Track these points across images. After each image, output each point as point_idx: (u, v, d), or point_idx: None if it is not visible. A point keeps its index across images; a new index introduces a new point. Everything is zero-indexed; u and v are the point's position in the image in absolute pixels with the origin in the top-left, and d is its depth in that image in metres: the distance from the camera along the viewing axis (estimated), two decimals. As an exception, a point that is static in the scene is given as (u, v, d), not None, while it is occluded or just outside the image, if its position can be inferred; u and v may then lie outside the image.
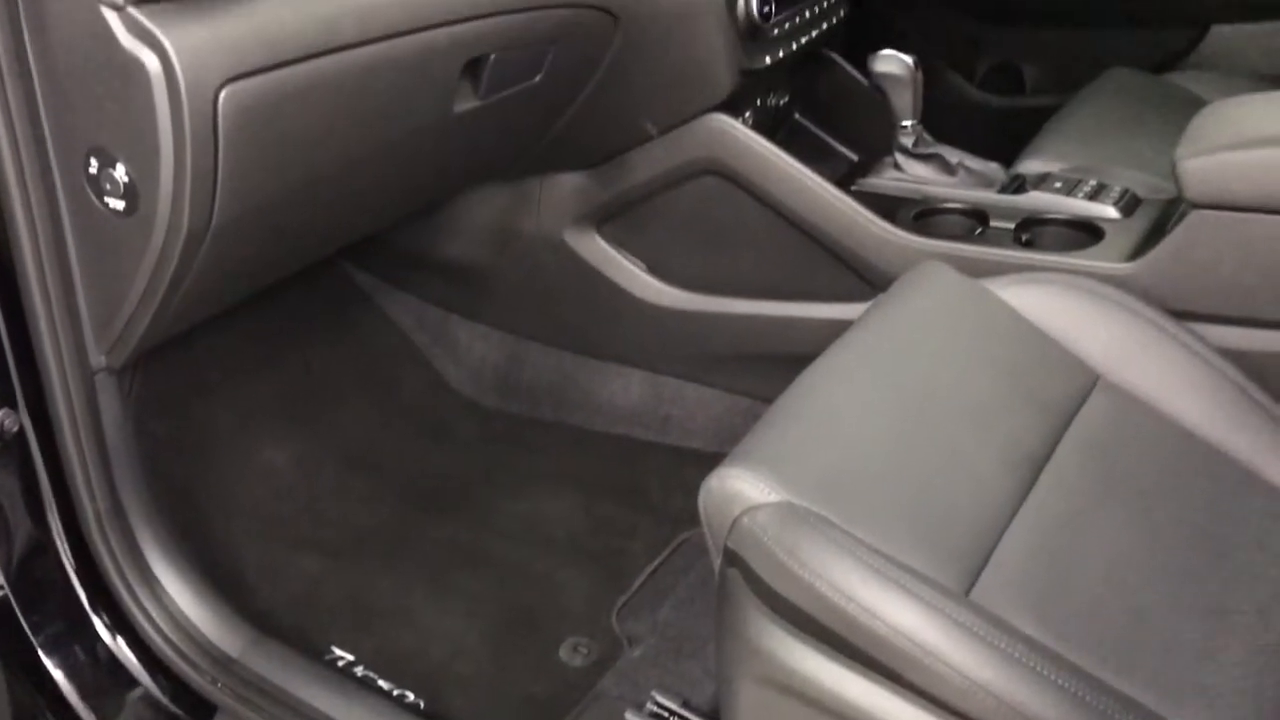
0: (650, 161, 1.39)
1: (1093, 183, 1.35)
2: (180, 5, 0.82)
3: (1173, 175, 1.16)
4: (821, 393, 1.00)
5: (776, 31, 1.34)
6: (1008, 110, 2.13)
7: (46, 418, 1.02)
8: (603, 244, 1.49)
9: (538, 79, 1.17)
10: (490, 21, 1.05)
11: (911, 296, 1.14)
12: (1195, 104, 1.68)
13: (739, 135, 1.33)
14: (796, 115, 1.56)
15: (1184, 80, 1.79)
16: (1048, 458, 0.99)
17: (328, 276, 1.65)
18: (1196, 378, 1.10)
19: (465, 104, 1.10)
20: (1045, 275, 1.18)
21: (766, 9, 1.28)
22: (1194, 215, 1.15)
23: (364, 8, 0.93)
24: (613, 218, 1.47)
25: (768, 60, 1.33)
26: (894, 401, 0.99)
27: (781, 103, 1.50)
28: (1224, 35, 1.92)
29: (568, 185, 1.46)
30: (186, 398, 1.39)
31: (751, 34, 1.29)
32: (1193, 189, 1.14)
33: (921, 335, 1.09)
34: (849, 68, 1.55)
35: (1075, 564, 0.90)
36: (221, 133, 0.84)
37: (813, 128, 1.57)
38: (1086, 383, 1.08)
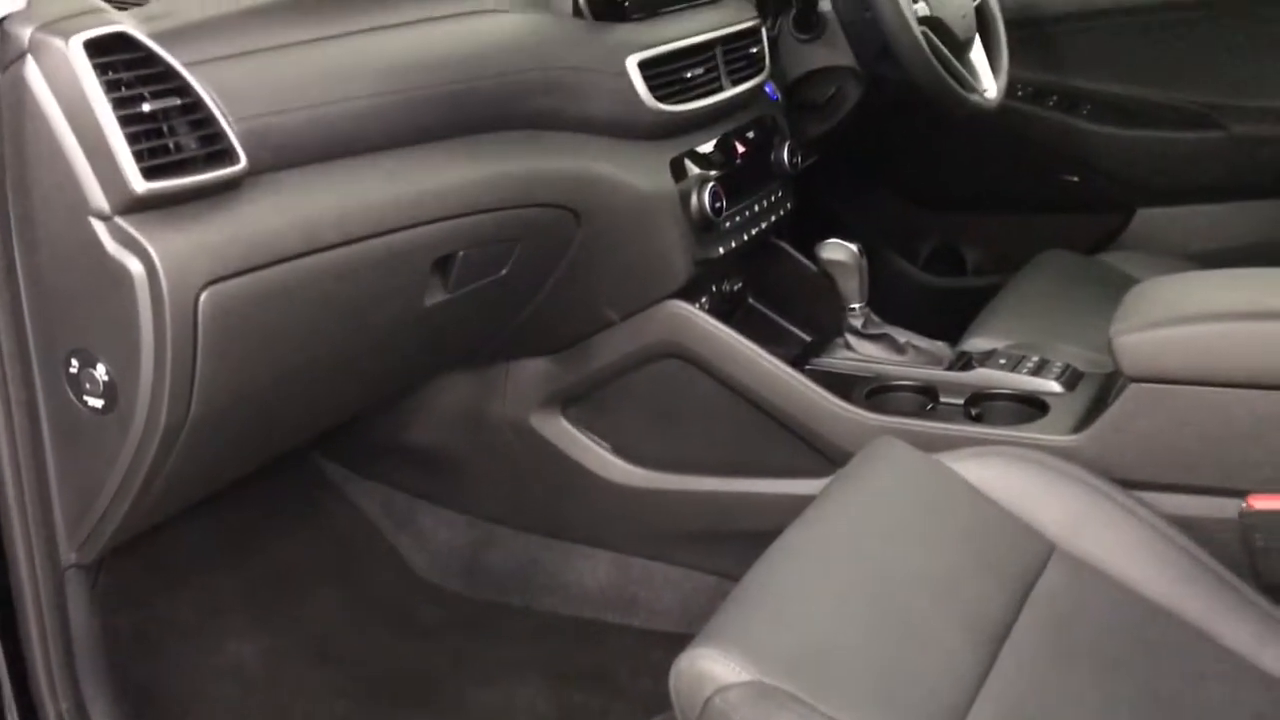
0: (613, 346, 1.45)
1: (1036, 359, 1.41)
2: (165, 213, 0.86)
3: (1109, 351, 1.22)
4: (788, 570, 1.02)
5: (728, 224, 1.42)
6: (950, 290, 2.23)
7: (12, 616, 1.01)
8: (568, 426, 1.52)
9: (504, 272, 1.23)
10: (460, 221, 1.11)
11: (869, 472, 1.18)
12: (1127, 282, 1.78)
13: (697, 320, 1.39)
14: (750, 300, 1.63)
15: (1115, 260, 1.89)
16: (1010, 629, 1.01)
17: (295, 467, 1.66)
18: (1148, 545, 1.13)
19: (435, 297, 1.15)
20: (997, 449, 1.22)
21: (718, 205, 1.36)
22: (1132, 389, 1.20)
23: (342, 212, 0.98)
24: (578, 400, 1.51)
25: (721, 251, 1.41)
26: (858, 578, 1.01)
27: (735, 288, 1.56)
28: (1150, 218, 2.05)
29: (533, 370, 1.51)
30: (152, 591, 1.38)
31: (705, 227, 1.36)
32: (1129, 364, 1.19)
33: (881, 511, 1.12)
34: (798, 255, 1.63)
35: None
36: (201, 332, 0.88)
37: (766, 311, 1.63)
38: (1043, 553, 1.11)
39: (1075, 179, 2.06)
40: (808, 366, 1.47)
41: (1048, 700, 0.93)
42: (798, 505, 1.39)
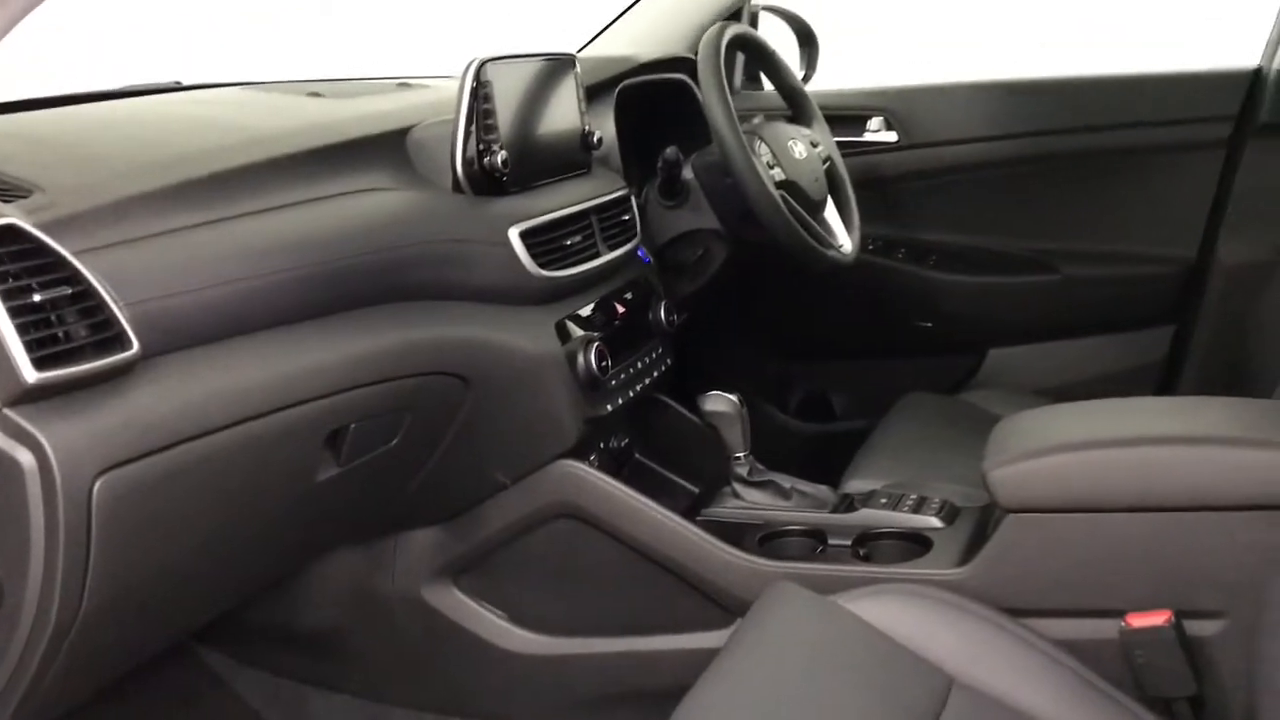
0: (504, 510, 1.44)
1: (915, 496, 1.47)
2: (56, 402, 0.84)
3: (984, 485, 1.28)
4: None
5: (614, 382, 1.45)
6: (821, 435, 2.30)
7: None
8: (462, 597, 1.50)
9: (395, 442, 1.23)
10: (351, 394, 1.11)
11: (769, 620, 1.19)
12: (988, 419, 1.88)
13: (588, 478, 1.41)
14: (637, 455, 1.65)
15: (974, 399, 2.00)
16: None
17: (172, 656, 1.58)
18: (1039, 671, 1.17)
19: (328, 472, 1.14)
20: (889, 587, 1.26)
21: (604, 364, 1.39)
22: (1009, 520, 1.26)
23: (233, 391, 0.98)
24: (470, 569, 1.49)
25: (608, 408, 1.44)
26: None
27: (622, 444, 1.59)
28: (1001, 357, 2.17)
29: (423, 541, 1.48)
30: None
31: (592, 386, 1.39)
32: (1003, 496, 1.26)
33: (785, 660, 1.13)
34: (680, 408, 1.67)
35: None
36: (95, 522, 0.85)
37: (653, 465, 1.66)
38: (943, 686, 1.14)
39: (929, 324, 2.18)
40: (699, 517, 1.49)
41: None
42: (701, 659, 1.39)
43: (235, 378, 0.99)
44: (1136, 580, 1.21)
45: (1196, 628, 1.19)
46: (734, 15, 2.15)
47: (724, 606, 1.41)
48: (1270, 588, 1.08)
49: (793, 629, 1.18)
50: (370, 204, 1.22)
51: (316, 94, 1.46)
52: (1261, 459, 1.16)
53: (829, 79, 2.14)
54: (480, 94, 1.31)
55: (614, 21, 2.15)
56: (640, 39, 2.04)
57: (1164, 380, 2.09)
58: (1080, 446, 1.23)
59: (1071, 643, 1.22)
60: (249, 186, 1.11)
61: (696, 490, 1.64)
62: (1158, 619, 1.18)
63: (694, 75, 1.97)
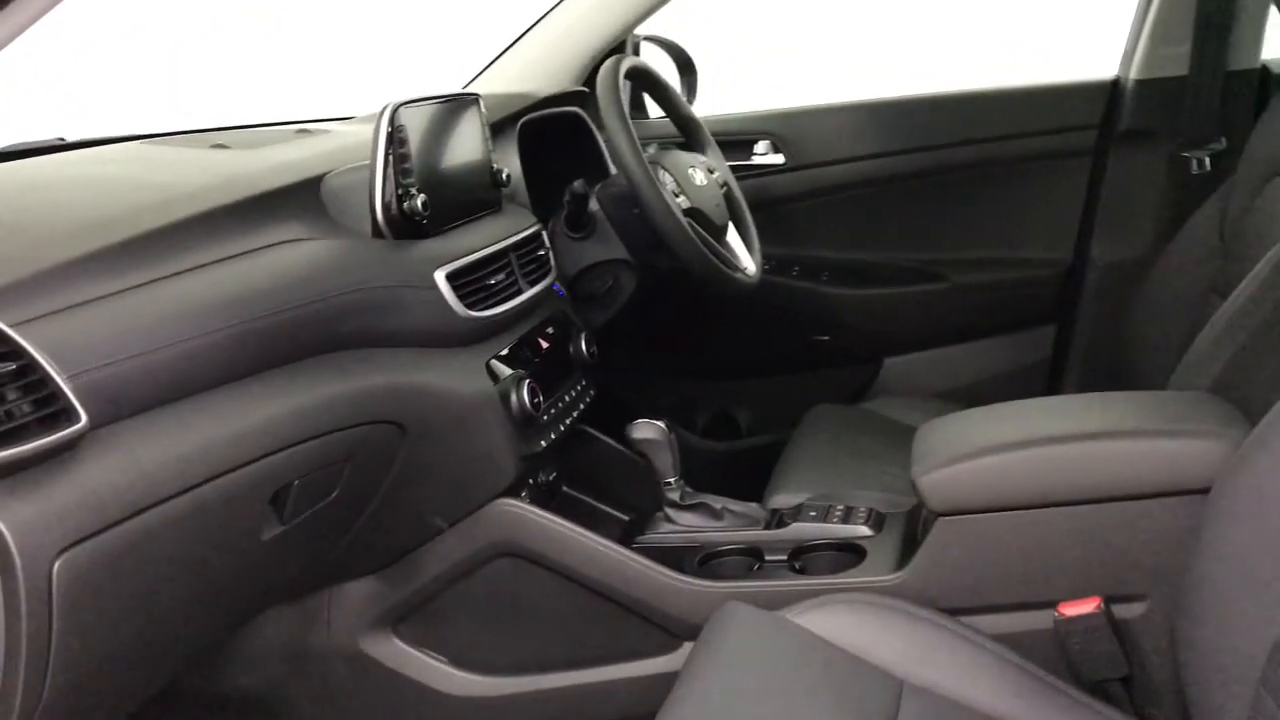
0: (442, 555, 1.43)
1: (842, 507, 1.51)
2: (7, 483, 0.81)
3: (913, 490, 1.33)
4: None
5: (545, 418, 1.46)
6: (729, 454, 2.34)
7: None
8: (402, 645, 1.47)
9: (335, 495, 1.21)
10: (294, 450, 1.09)
11: (723, 641, 1.21)
12: (893, 426, 1.95)
13: (527, 515, 1.41)
14: (565, 488, 1.66)
15: (876, 407, 2.07)
16: None
17: None
18: (983, 667, 1.22)
19: (271, 531, 1.11)
20: (832, 597, 1.29)
21: (536, 400, 1.40)
22: (940, 523, 1.31)
23: (181, 458, 0.95)
24: (409, 617, 1.47)
25: (543, 444, 1.44)
26: None
27: (551, 478, 1.59)
28: (896, 365, 2.25)
29: (359, 592, 1.46)
30: None
31: (526, 423, 1.40)
32: (933, 500, 1.31)
33: (743, 679, 1.15)
34: (605, 438, 1.69)
35: None
36: (56, 605, 0.82)
37: (581, 496, 1.67)
38: (895, 690, 1.18)
39: (827, 338, 2.25)
40: (634, 545, 1.51)
41: None
42: (649, 686, 1.41)
43: (182, 443, 0.96)
44: (1065, 571, 1.27)
45: (1123, 611, 1.26)
46: (619, 46, 2.19)
47: (670, 631, 1.43)
48: (1188, 568, 1.15)
49: (747, 648, 1.20)
50: (296, 256, 1.20)
51: (221, 145, 1.43)
52: (1171, 448, 1.24)
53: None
54: (396, 138, 1.30)
55: (496, 60, 2.16)
56: (524, 75, 2.05)
57: (1051, 377, 2.20)
58: (1004, 448, 1.29)
59: (1009, 636, 1.28)
60: (176, 246, 1.08)
61: (627, 519, 1.66)
62: (1088, 606, 1.24)
63: (585, 107, 2.01)
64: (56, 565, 0.82)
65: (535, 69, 2.07)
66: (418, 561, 1.43)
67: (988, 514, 1.29)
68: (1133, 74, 2.03)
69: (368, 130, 1.51)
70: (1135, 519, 1.24)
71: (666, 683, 1.40)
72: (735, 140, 2.19)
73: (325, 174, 1.35)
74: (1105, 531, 1.25)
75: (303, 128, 1.62)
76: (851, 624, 1.25)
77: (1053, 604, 1.27)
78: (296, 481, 1.11)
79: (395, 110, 1.30)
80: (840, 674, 1.18)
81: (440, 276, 1.31)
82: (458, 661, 1.48)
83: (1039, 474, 1.27)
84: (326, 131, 1.60)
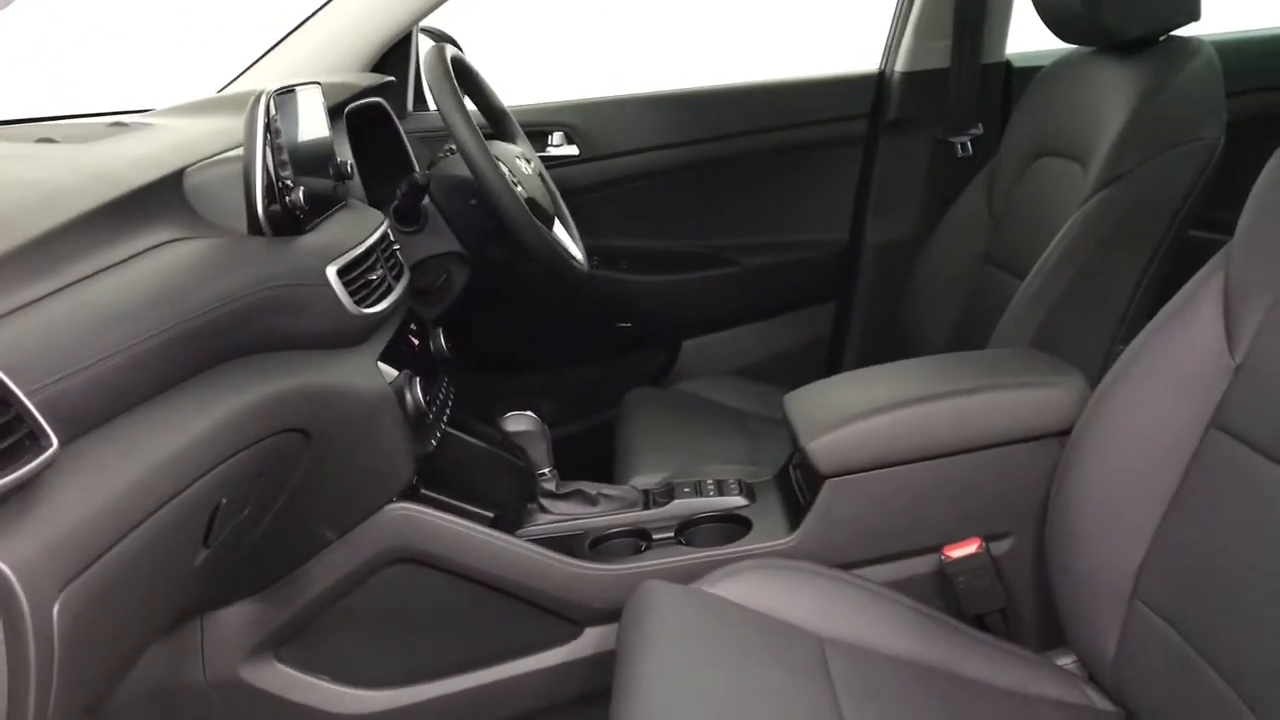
0: (328, 569, 1.35)
1: (711, 481, 1.57)
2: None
3: (806, 458, 1.39)
4: None
5: (430, 417, 1.41)
6: None
7: None
8: (286, 670, 1.38)
9: (245, 513, 1.12)
10: (226, 466, 1.01)
11: (649, 619, 1.23)
12: (711, 405, 2.03)
13: (423, 518, 1.36)
14: (423, 489, 1.61)
15: (690, 388, 2.14)
16: (841, 718, 1.11)
17: None
18: (886, 613, 1.31)
19: (200, 556, 1.02)
20: (737, 566, 1.34)
21: (427, 396, 1.35)
22: (828, 485, 1.40)
23: (143, 479, 0.86)
24: (292, 638, 1.38)
25: (433, 444, 1.39)
26: (716, 707, 1.07)
27: (413, 481, 1.54)
28: (694, 347, 2.34)
29: (234, 618, 1.35)
30: None
31: (419, 422, 1.35)
32: (823, 464, 1.39)
33: (679, 653, 1.17)
34: (462, 435, 1.64)
35: None
36: (59, 645, 0.72)
37: (441, 497, 1.62)
38: (816, 645, 1.24)
39: (628, 325, 2.30)
40: (517, 535, 1.49)
41: None
42: (552, 676, 1.41)
43: (136, 465, 0.87)
44: (946, 517, 1.39)
45: (997, 549, 1.39)
46: (405, 39, 2.13)
47: (569, 619, 1.43)
48: (1055, 503, 1.29)
49: (675, 623, 1.23)
50: (190, 256, 1.10)
51: (48, 139, 1.27)
52: (1030, 397, 1.38)
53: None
54: (273, 128, 1.22)
55: (271, 50, 2.04)
56: (304, 67, 1.96)
57: (832, 350, 2.36)
58: (885, 410, 1.39)
59: (898, 582, 1.39)
60: (76, 247, 0.97)
61: (491, 515, 1.63)
62: (970, 547, 1.37)
63: (386, 97, 1.94)
64: (57, 605, 0.72)
65: (311, 62, 1.97)
66: (301, 579, 1.35)
67: (872, 472, 1.39)
68: (898, 67, 2.22)
69: (201, 123, 1.40)
70: (1003, 464, 1.38)
71: (570, 671, 1.41)
72: (529, 132, 2.19)
73: (184, 169, 1.24)
74: (978, 477, 1.38)
75: (117, 120, 1.46)
76: (763, 588, 1.31)
77: (936, 549, 1.39)
78: (224, 500, 1.03)
79: (270, 98, 1.22)
80: (768, 637, 1.24)
81: (331, 273, 1.23)
82: (348, 679, 1.41)
83: (918, 430, 1.38)
84: (147, 125, 1.45)
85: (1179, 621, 1.11)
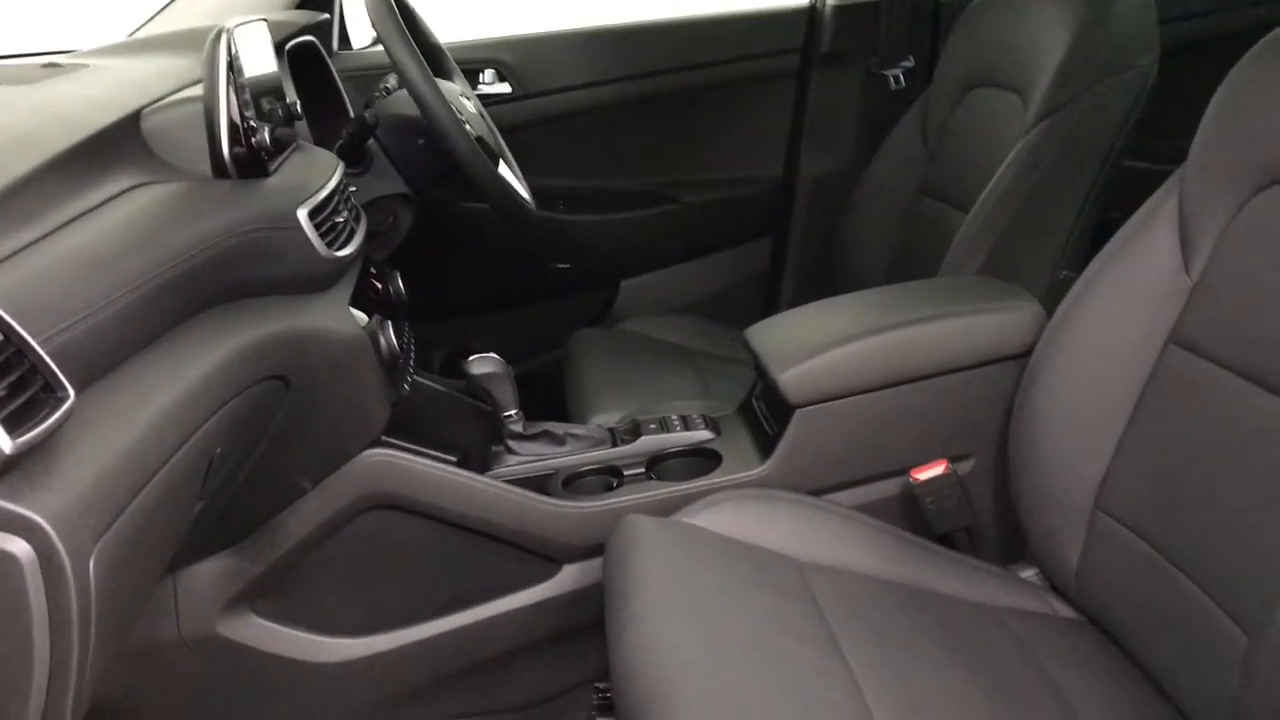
0: (304, 518, 1.33)
1: (676, 417, 1.58)
2: (21, 472, 0.68)
3: (777, 389, 1.41)
4: (666, 660, 1.05)
5: (402, 361, 1.39)
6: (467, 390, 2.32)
7: None
8: (264, 622, 1.36)
9: (231, 464, 1.10)
10: (220, 415, 0.98)
11: (634, 553, 1.24)
12: (658, 343, 2.04)
13: (400, 461, 1.35)
14: (383, 436, 1.59)
15: (634, 327, 2.15)
16: (837, 641, 1.15)
17: None
18: (860, 536, 1.35)
19: (198, 507, 1.00)
20: (714, 497, 1.37)
21: (401, 341, 1.33)
22: (798, 414, 1.42)
23: (153, 426, 0.83)
24: (269, 590, 1.36)
25: (406, 388, 1.38)
26: (716, 633, 1.09)
27: None
28: (632, 286, 2.34)
29: (209, 572, 1.33)
30: None
31: (393, 366, 1.33)
32: (794, 394, 1.41)
33: (668, 584, 1.19)
34: (424, 380, 1.62)
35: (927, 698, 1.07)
36: (95, 602, 0.70)
37: (402, 443, 1.61)
38: (798, 570, 1.28)
39: (566, 265, 2.29)
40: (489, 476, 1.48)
41: (903, 676, 1.09)
42: (532, 614, 1.42)
43: (146, 412, 0.84)
44: (913, 441, 1.43)
45: (962, 469, 1.44)
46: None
47: (547, 556, 1.43)
48: (1017, 422, 1.34)
49: (660, 556, 1.24)
50: (161, 200, 1.05)
51: None
52: (990, 322, 1.42)
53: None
54: (235, 67, 1.17)
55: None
56: (225, 4, 1.88)
57: (770, 285, 2.39)
58: (853, 339, 1.41)
59: (869, 505, 1.43)
60: (50, 194, 0.92)
61: (454, 459, 1.62)
62: (938, 468, 1.41)
63: (319, 36, 1.88)
64: (93, 558, 0.70)
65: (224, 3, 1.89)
66: (277, 529, 1.33)
67: (841, 400, 1.42)
68: (830, 0, 2.23)
69: (145, 63, 1.35)
70: (967, 387, 1.42)
71: (549, 608, 1.43)
72: (460, 69, 2.15)
73: (139, 110, 1.18)
74: (943, 401, 1.42)
75: (50, 61, 1.39)
76: (741, 518, 1.33)
77: (904, 471, 1.43)
78: (219, 450, 1.00)
79: (231, 34, 1.17)
80: (752, 564, 1.26)
81: (303, 215, 1.20)
82: (327, 628, 1.39)
83: (885, 358, 1.41)
84: (83, 65, 1.38)
85: (1142, 529, 1.17)
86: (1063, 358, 1.28)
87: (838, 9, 2.23)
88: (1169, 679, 1.12)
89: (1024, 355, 1.37)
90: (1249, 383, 1.07)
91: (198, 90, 1.17)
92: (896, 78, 2.23)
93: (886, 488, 1.45)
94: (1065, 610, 1.31)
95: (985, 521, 1.47)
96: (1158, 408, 1.19)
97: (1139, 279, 1.22)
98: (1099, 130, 1.64)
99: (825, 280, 2.26)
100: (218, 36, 1.16)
